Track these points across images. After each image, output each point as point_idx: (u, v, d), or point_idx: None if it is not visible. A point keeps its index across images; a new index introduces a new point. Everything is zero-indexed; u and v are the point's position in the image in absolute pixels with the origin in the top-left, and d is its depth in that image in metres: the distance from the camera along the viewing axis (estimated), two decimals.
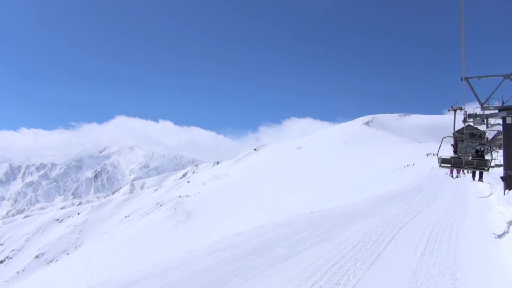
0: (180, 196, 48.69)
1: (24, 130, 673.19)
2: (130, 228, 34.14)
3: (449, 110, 14.60)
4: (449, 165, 12.45)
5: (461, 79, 10.47)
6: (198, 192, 48.35)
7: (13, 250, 66.08)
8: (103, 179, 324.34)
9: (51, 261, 54.61)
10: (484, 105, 10.58)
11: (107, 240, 30.74)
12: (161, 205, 41.01)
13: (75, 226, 70.70)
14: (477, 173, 20.22)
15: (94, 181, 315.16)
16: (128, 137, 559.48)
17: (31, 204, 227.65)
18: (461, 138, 14.69)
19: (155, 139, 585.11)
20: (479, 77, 10.56)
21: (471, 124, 11.68)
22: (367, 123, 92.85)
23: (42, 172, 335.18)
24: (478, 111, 10.83)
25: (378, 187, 19.87)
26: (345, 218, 9.22)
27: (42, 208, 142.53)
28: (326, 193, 26.00)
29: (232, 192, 41.46)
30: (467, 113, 10.96)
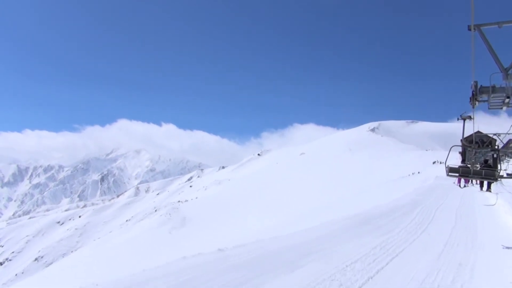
0: (179, 201, 47.98)
1: (28, 131, 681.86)
2: (123, 234, 33.39)
3: (458, 119, 13.20)
4: (457, 174, 10.62)
5: (468, 29, 6.27)
6: (196, 198, 47.55)
7: (13, 252, 65.93)
8: (110, 182, 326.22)
9: (50, 264, 54.09)
10: (510, 72, 6.35)
11: (98, 245, 30.02)
12: (156, 210, 40.25)
13: (76, 229, 70.42)
14: (485, 183, 19.16)
15: (101, 184, 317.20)
16: (132, 140, 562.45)
17: (37, 206, 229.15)
18: (469, 147, 13.54)
19: (160, 143, 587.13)
20: (499, 24, 6.31)
21: (486, 104, 7.22)
22: (373, 130, 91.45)
23: (49, 174, 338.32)
24: (499, 82, 6.65)
25: (368, 199, 17.58)
26: (257, 271, 5.48)
27: (47, 210, 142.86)
28: (313, 205, 24.63)
29: (230, 198, 40.59)
30: (479, 86, 6.76)
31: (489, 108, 7.21)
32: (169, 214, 33.86)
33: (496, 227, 10.02)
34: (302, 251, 6.80)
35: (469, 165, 17.32)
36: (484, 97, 6.80)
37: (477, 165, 19.50)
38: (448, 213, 12.11)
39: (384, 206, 12.70)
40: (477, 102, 6.92)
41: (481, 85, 6.72)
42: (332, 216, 10.96)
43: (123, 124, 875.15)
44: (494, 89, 6.64)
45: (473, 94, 6.85)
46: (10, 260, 64.10)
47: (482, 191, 19.60)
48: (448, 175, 10.18)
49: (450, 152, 10.89)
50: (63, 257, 48.33)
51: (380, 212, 11.46)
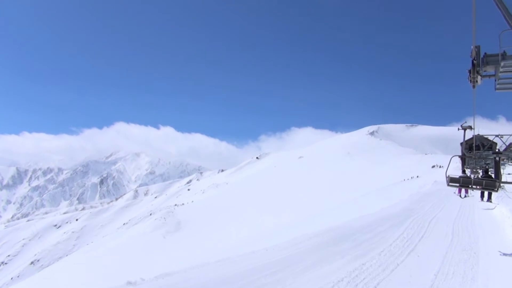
0: (176, 205, 47.53)
1: (26, 134, 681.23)
2: (117, 238, 32.87)
3: (458, 129, 12.52)
4: (458, 185, 10.00)
5: None
6: (192, 201, 47.09)
7: (8, 255, 65.43)
8: (109, 185, 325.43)
9: (46, 267, 53.67)
10: None
11: (90, 250, 29.51)
12: (151, 214, 39.77)
13: (73, 232, 69.94)
14: (486, 193, 18.56)
15: (100, 187, 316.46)
16: (130, 143, 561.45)
17: (36, 209, 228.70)
18: (469, 156, 13.02)
19: (158, 146, 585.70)
20: None
21: (493, 82, 5.04)
22: (372, 133, 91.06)
23: (48, 176, 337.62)
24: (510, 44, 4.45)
25: (361, 206, 16.54)
26: None
27: (46, 213, 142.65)
28: (307, 212, 24.04)
29: (226, 202, 40.13)
30: (482, 54, 4.62)
31: (496, 89, 5.11)
32: (164, 218, 33.36)
33: (502, 246, 8.23)
34: (241, 286, 5.20)
35: (469, 174, 16.86)
36: (490, 70, 4.72)
37: (478, 170, 19.05)
38: (444, 226, 10.46)
39: (371, 216, 11.06)
40: (479, 78, 4.75)
41: (485, 53, 4.64)
42: (312, 228, 9.57)
43: (121, 127, 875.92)
44: (505, 56, 4.46)
45: (473, 65, 4.66)
46: (5, 263, 63.59)
47: (482, 201, 19.09)
48: (448, 185, 9.54)
49: (450, 155, 10.37)
50: (58, 260, 47.84)
51: (365, 224, 9.91)
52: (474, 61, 4.62)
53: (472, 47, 4.53)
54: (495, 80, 4.90)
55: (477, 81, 4.77)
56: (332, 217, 15.26)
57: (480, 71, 4.66)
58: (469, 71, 4.74)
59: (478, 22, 4.51)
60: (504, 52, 4.50)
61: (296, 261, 6.45)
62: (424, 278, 5.77)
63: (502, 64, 4.51)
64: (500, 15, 4.25)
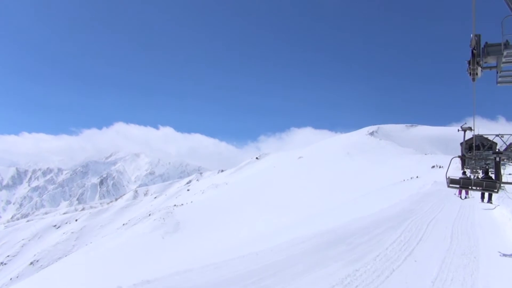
0: (175, 205, 47.48)
1: (25, 134, 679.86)
2: (115, 239, 32.81)
3: (458, 131, 12.65)
4: (458, 186, 9.82)
5: None
6: (191, 202, 47.01)
7: (8, 256, 65.37)
8: (109, 185, 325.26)
9: (46, 268, 53.56)
10: None
11: (89, 251, 29.44)
12: (150, 215, 39.69)
13: (72, 233, 69.90)
14: (486, 194, 18.38)
15: (100, 187, 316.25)
16: (130, 143, 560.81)
17: (36, 209, 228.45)
18: (469, 158, 12.90)
19: (158, 146, 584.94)
20: None
21: (495, 74, 4.63)
22: (371, 133, 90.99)
23: (48, 176, 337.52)
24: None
25: (359, 207, 16.37)
26: None
27: (46, 213, 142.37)
28: (306, 213, 23.96)
29: (225, 202, 40.09)
30: (483, 44, 4.16)
31: (498, 82, 4.60)
32: (163, 218, 33.29)
33: (503, 247, 7.94)
34: None
35: (469, 174, 16.75)
36: (492, 61, 4.27)
37: (478, 170, 18.95)
38: (443, 228, 10.05)
39: (370, 218, 10.50)
40: (479, 70, 4.29)
41: (486, 42, 4.17)
42: (310, 229, 9.17)
43: (120, 127, 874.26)
44: (507, 46, 4.01)
45: (473, 55, 4.17)
46: (5, 264, 63.52)
47: (483, 202, 18.97)
48: (449, 186, 9.39)
49: (450, 155, 10.25)
50: (58, 261, 47.78)
51: (361, 226, 9.37)
52: (474, 51, 4.17)
53: (471, 35, 4.06)
54: (497, 73, 4.50)
55: (477, 73, 4.33)
56: (332, 217, 14.95)
57: (481, 62, 4.23)
58: (469, 62, 4.29)
59: (478, 13, 4.11)
60: (507, 41, 4.07)
61: (288, 266, 6.03)
62: (421, 285, 5.45)
63: (504, 53, 4.08)
64: (501, 2, 3.84)
